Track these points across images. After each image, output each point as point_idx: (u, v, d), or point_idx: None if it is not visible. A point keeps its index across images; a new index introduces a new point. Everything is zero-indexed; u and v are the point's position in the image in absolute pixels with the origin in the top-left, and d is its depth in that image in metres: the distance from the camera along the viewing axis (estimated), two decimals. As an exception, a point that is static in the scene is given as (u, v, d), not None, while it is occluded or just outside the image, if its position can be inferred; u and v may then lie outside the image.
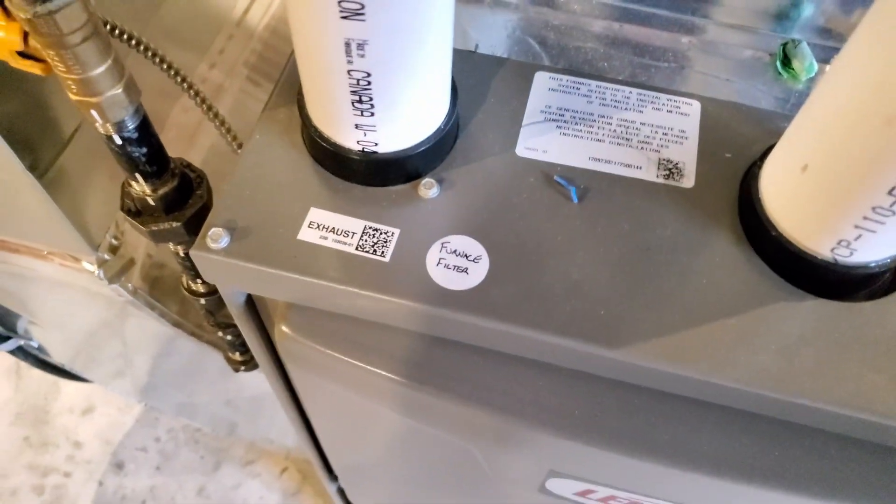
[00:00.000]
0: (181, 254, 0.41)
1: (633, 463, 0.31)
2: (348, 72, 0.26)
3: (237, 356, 0.55)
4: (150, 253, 0.68)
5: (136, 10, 0.59)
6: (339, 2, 0.23)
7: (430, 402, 0.32)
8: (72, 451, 1.17)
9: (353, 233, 0.30)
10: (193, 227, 0.38)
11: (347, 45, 0.25)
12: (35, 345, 0.91)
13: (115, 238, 0.63)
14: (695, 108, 0.34)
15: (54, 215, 0.56)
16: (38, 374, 1.24)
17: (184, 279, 0.45)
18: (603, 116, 0.34)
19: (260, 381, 0.87)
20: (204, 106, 0.52)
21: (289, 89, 0.35)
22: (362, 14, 0.24)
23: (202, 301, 0.45)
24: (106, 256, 0.62)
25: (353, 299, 0.29)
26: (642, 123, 0.34)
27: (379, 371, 0.32)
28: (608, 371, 0.29)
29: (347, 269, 0.29)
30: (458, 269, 0.30)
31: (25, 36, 0.28)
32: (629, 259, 0.30)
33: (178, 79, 0.49)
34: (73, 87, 0.29)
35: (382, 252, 0.30)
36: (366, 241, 0.30)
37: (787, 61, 0.36)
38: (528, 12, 0.37)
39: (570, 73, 0.36)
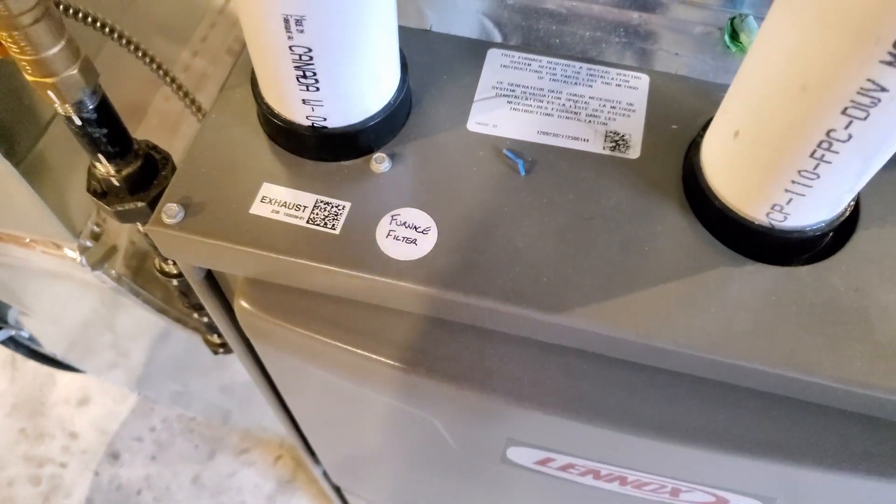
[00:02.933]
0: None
1: (583, 428, 0.32)
2: (290, 48, 0.27)
3: (215, 338, 0.55)
4: (132, 240, 0.69)
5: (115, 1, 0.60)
6: (272, -24, 0.24)
7: (386, 372, 0.33)
8: (67, 441, 1.18)
9: (305, 206, 0.31)
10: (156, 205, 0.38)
11: (286, 21, 0.26)
12: (26, 335, 0.92)
13: (97, 225, 0.64)
14: (643, 81, 0.35)
15: (34, 202, 0.57)
16: (33, 365, 1.25)
17: (156, 261, 0.46)
18: (553, 91, 0.35)
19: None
20: (180, 93, 0.53)
21: (245, 70, 0.35)
22: (296, -12, 0.24)
23: (174, 282, 0.46)
24: (88, 243, 0.63)
25: (303, 271, 0.30)
26: (591, 97, 0.35)
27: (335, 343, 0.33)
28: (551, 336, 0.30)
29: (297, 242, 0.30)
30: (406, 240, 0.30)
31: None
32: (573, 228, 0.31)
33: (155, 67, 0.50)
34: (28, 68, 0.30)
35: (333, 225, 0.31)
36: (317, 214, 0.31)
37: (734, 35, 0.36)
38: (481, -9, 0.38)
39: (522, 49, 0.36)
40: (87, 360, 1.02)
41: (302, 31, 0.26)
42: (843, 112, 0.23)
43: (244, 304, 0.34)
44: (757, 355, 0.28)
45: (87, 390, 1.23)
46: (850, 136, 0.24)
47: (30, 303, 0.83)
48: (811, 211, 0.28)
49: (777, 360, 0.28)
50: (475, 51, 0.36)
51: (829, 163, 0.25)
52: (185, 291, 0.47)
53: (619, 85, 0.35)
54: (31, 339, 0.95)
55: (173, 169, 0.39)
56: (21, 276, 0.74)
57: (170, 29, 0.74)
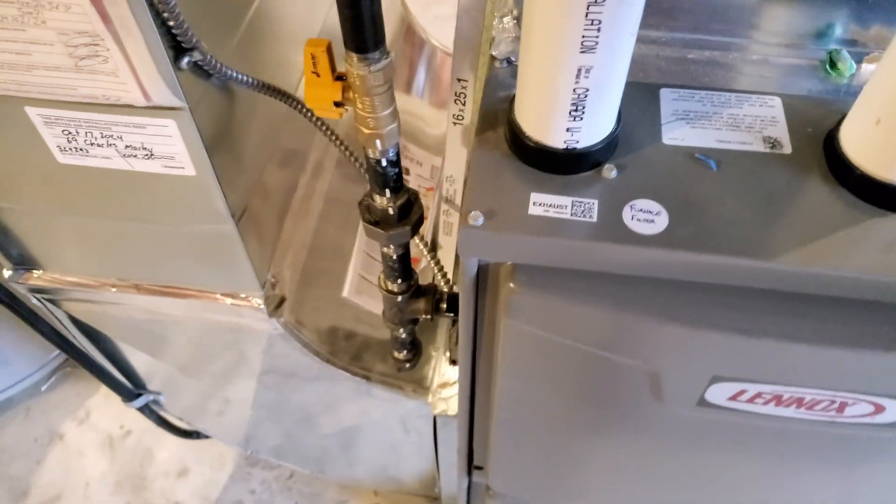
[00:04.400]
0: (394, 257, 0.53)
1: (784, 347, 0.43)
2: (573, 89, 0.40)
3: (403, 354, 0.66)
4: (295, 291, 0.80)
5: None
6: (583, 40, 0.37)
7: (629, 323, 0.44)
8: (173, 511, 1.24)
9: (565, 206, 0.43)
10: (415, 231, 0.50)
11: (579, 70, 0.39)
12: (162, 399, 1.01)
13: (273, 277, 0.75)
14: (777, 101, 0.48)
15: (241, 258, 0.68)
16: (132, 443, 1.32)
17: (383, 282, 0.57)
18: (716, 113, 0.48)
19: (360, 411, 0.98)
20: (338, 143, 0.64)
21: (484, 122, 0.48)
22: (595, 49, 0.37)
23: (398, 299, 0.57)
24: (267, 294, 0.74)
25: (576, 249, 0.42)
26: (745, 115, 0.48)
27: (588, 306, 0.44)
28: (761, 279, 0.42)
29: (568, 229, 0.42)
30: (646, 220, 0.42)
31: (343, 91, 0.41)
32: (760, 203, 0.43)
33: (315, 120, 0.61)
34: (370, 123, 0.42)
35: (590, 215, 0.43)
36: (576, 209, 0.43)
37: (832, 64, 0.50)
38: (644, 50, 0.52)
39: (684, 87, 0.50)
40: (205, 419, 1.10)
41: (587, 77, 0.39)
42: (962, 95, 0.36)
43: (511, 285, 0.45)
44: (911, 273, 0.40)
45: (184, 461, 1.29)
46: (965, 111, 0.37)
47: (181, 359, 0.92)
48: (934, 170, 0.41)
49: (928, 275, 0.40)
50: (650, 91, 0.49)
51: (950, 131, 0.38)
52: (403, 308, 0.58)
53: (760, 105, 0.48)
54: (161, 405, 1.04)
55: (419, 201, 0.51)
56: (188, 331, 0.84)
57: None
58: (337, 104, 0.42)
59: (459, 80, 0.55)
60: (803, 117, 0.48)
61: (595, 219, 0.43)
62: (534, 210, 0.43)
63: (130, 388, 0.97)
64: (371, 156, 0.45)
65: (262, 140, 0.68)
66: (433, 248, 0.74)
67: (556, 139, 0.43)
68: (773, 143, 0.46)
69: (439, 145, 0.91)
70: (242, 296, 0.73)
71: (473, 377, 0.59)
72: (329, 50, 0.40)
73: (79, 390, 1.40)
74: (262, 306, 0.74)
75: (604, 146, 0.44)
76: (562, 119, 0.42)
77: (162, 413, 1.07)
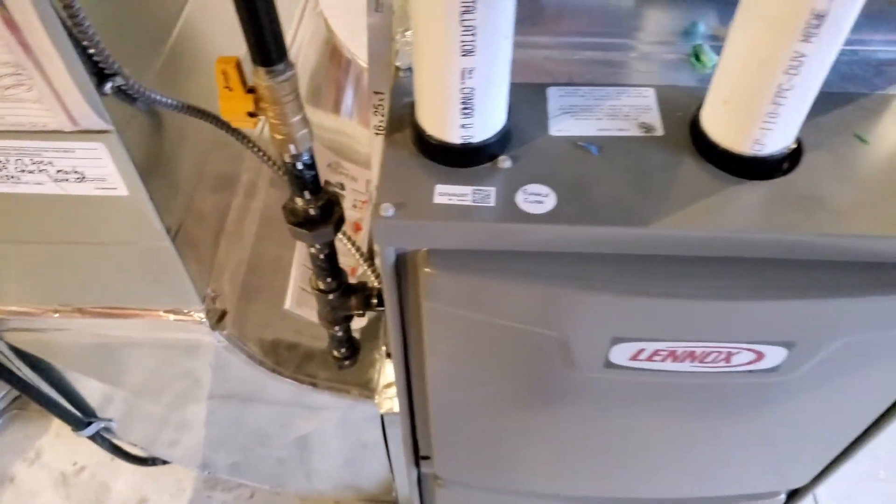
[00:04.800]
0: (321, 256, 0.57)
1: (670, 305, 0.49)
2: (461, 89, 0.45)
3: (341, 352, 0.70)
4: (237, 306, 0.83)
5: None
6: (462, 45, 0.42)
7: (531, 293, 0.49)
8: (132, 543, 1.24)
9: (466, 194, 0.48)
10: (338, 229, 0.55)
11: (463, 71, 0.44)
12: (114, 426, 1.02)
13: (213, 291, 0.78)
14: (651, 92, 0.55)
15: (180, 274, 0.71)
16: (85, 478, 1.32)
17: (314, 282, 0.61)
18: (597, 106, 0.54)
19: (312, 421, 1.01)
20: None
21: (393, 125, 0.53)
22: (473, 52, 0.43)
23: (329, 297, 0.61)
24: (208, 308, 0.77)
25: (479, 230, 0.47)
26: (622, 105, 0.54)
27: (499, 281, 0.49)
28: (639, 246, 0.48)
29: (470, 214, 0.47)
30: (537, 202, 0.48)
31: (256, 102, 0.46)
32: (636, 180, 0.49)
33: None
34: (281, 130, 0.47)
35: (488, 201, 0.48)
36: (476, 196, 0.48)
37: (697, 57, 0.57)
38: (532, 54, 0.58)
39: (569, 84, 0.56)
40: (161, 442, 1.11)
41: (471, 78, 0.44)
42: (785, 72, 0.43)
43: (428, 269, 0.50)
44: (760, 228, 0.46)
45: (142, 491, 1.29)
46: (792, 87, 0.44)
47: (133, 382, 0.94)
48: (778, 140, 0.47)
49: (773, 228, 0.46)
50: (538, 90, 0.55)
51: (783, 104, 0.45)
52: (336, 305, 0.62)
53: (636, 97, 0.54)
54: (112, 432, 1.04)
55: (339, 202, 0.56)
56: (133, 353, 0.86)
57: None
58: (251, 114, 0.46)
59: (376, 92, 0.60)
60: (673, 104, 0.54)
61: (493, 203, 0.48)
62: (439, 199, 0.48)
63: (80, 416, 0.98)
64: (287, 160, 0.49)
65: (195, 158, 0.72)
66: (370, 256, 0.78)
67: (453, 135, 0.48)
68: (648, 128, 0.52)
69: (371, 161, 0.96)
70: (185, 311, 0.76)
71: (407, 365, 0.64)
72: (238, 66, 0.44)
73: (27, 432, 1.39)
74: (205, 320, 0.77)
75: (498, 140, 0.50)
76: (455, 117, 0.47)
77: (115, 441, 1.07)
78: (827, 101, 0.54)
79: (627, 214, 0.47)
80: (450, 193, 0.48)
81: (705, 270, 0.50)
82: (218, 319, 0.79)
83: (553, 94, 0.55)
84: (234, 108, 0.46)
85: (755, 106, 0.45)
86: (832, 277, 0.49)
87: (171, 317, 0.76)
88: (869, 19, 0.57)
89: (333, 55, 1.20)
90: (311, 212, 0.53)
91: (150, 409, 0.99)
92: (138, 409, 1.00)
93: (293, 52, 1.08)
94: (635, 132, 0.52)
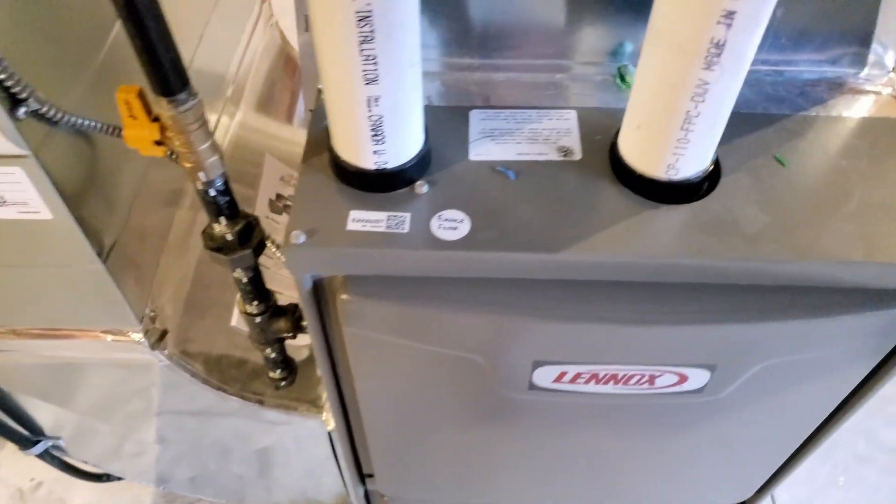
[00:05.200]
0: (244, 280, 0.57)
1: (584, 330, 0.49)
2: (369, 117, 0.45)
3: (277, 374, 0.69)
4: (180, 324, 0.82)
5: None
6: (364, 74, 0.42)
7: (452, 318, 0.49)
8: (89, 560, 1.22)
9: (381, 220, 0.48)
10: (258, 253, 0.54)
11: (369, 100, 0.43)
12: (62, 444, 1.00)
13: (153, 311, 0.78)
14: (572, 115, 0.55)
15: (113, 295, 0.70)
16: (42, 494, 1.30)
17: (241, 304, 0.60)
18: (518, 129, 0.54)
19: (264, 437, 1.00)
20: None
21: (311, 149, 0.52)
22: (377, 81, 0.42)
23: (257, 320, 0.60)
24: (147, 328, 0.77)
25: (391, 257, 0.47)
26: (543, 129, 0.54)
27: (415, 308, 0.49)
28: (551, 272, 0.48)
29: (382, 241, 0.47)
30: (451, 228, 0.48)
31: (162, 130, 0.45)
32: (551, 205, 0.49)
33: None
34: (189, 158, 0.46)
35: (402, 227, 0.48)
36: (390, 223, 0.48)
37: (622, 78, 0.57)
38: (458, 76, 0.57)
39: (492, 107, 0.55)
40: (116, 460, 1.09)
41: (378, 106, 0.44)
42: (692, 99, 0.43)
43: (344, 296, 0.50)
44: (674, 253, 0.46)
45: (101, 506, 1.28)
46: (699, 113, 0.44)
47: (80, 400, 0.92)
48: (692, 165, 0.47)
49: (687, 254, 0.46)
50: (461, 113, 0.55)
51: (693, 131, 0.45)
52: (264, 327, 0.62)
53: (558, 119, 0.54)
54: (62, 450, 1.03)
55: (259, 226, 0.55)
56: (76, 373, 0.85)
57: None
58: (158, 143, 0.45)
59: (311, 111, 0.60)
60: (594, 126, 0.54)
61: (407, 230, 0.48)
62: (352, 226, 0.48)
63: (27, 435, 0.96)
64: (199, 187, 0.48)
65: (134, 174, 0.71)
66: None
67: (367, 161, 0.48)
68: (566, 152, 0.52)
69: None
70: (123, 331, 0.75)
71: (339, 386, 0.63)
72: (141, 94, 0.44)
73: (-15, 447, 1.37)
74: (143, 340, 0.76)
75: (415, 165, 0.49)
76: (367, 143, 0.47)
77: (67, 459, 1.06)
78: (748, 123, 0.54)
79: (540, 240, 0.47)
80: (364, 220, 0.48)
81: (623, 295, 0.50)
82: (158, 339, 0.78)
83: (475, 117, 0.55)
84: (139, 137, 0.45)
85: (666, 131, 0.45)
86: (751, 301, 0.49)
87: (109, 337, 0.75)
88: (793, 40, 0.57)
89: (287, 65, 1.20)
90: (229, 237, 0.52)
91: (101, 428, 0.98)
92: (88, 428, 0.99)
93: (245, 62, 1.07)
94: (554, 156, 0.52)
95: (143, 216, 0.75)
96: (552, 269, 0.48)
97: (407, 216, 0.48)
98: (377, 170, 0.48)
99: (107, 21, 0.66)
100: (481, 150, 0.52)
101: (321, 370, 0.60)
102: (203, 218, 0.92)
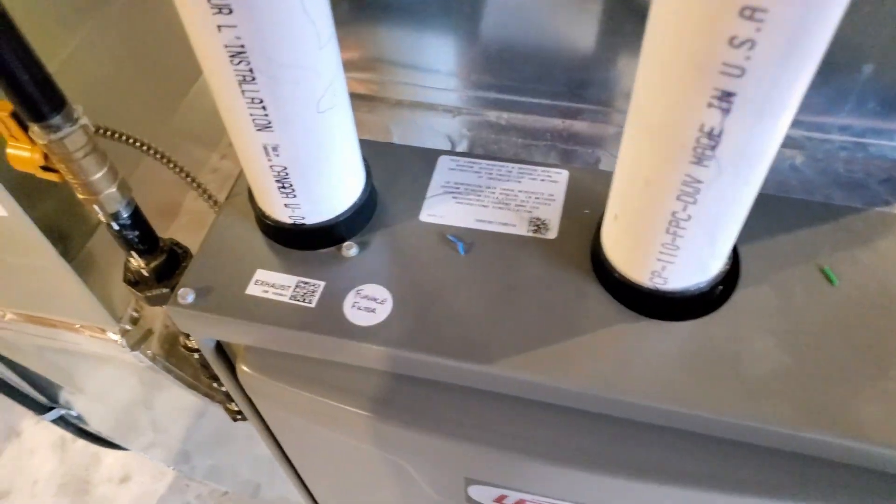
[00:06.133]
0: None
1: (525, 464, 0.38)
2: (270, 167, 0.36)
3: (233, 406, 0.63)
4: (166, 324, 0.78)
5: (155, 114, 0.71)
6: (253, 119, 0.33)
7: (355, 420, 0.40)
8: (110, 519, 1.25)
9: (288, 286, 0.40)
10: (181, 291, 0.47)
11: (265, 148, 0.35)
12: (75, 414, 1.01)
13: (136, 311, 0.73)
14: (563, 175, 0.43)
15: (84, 293, 0.67)
16: (81, 446, 1.34)
17: (181, 339, 0.54)
18: (489, 187, 0.43)
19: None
20: (205, 195, 0.63)
21: (238, 187, 0.45)
22: (271, 127, 0.34)
23: (195, 356, 0.54)
24: (127, 327, 0.73)
25: (285, 337, 0.38)
26: (520, 191, 0.43)
27: (316, 397, 0.40)
28: (483, 383, 0.37)
29: (280, 314, 0.38)
30: (367, 309, 0.38)
31: (45, 155, 0.39)
32: (500, 295, 0.38)
33: (183, 175, 0.60)
34: (79, 189, 0.40)
35: (310, 300, 0.39)
36: (297, 292, 0.39)
37: (642, 134, 0.45)
38: (436, 111, 0.47)
39: (467, 155, 0.45)
40: (129, 438, 1.10)
41: (278, 156, 0.35)
42: (678, 198, 0.31)
43: (244, 367, 0.42)
44: (644, 394, 0.35)
45: (128, 468, 1.30)
46: (689, 216, 0.31)
47: (79, 383, 0.93)
48: (684, 275, 0.35)
49: (661, 397, 0.34)
50: (429, 157, 0.45)
51: (682, 237, 0.33)
52: (206, 364, 0.55)
53: (543, 180, 0.43)
54: (79, 417, 1.04)
55: (190, 257, 0.48)
56: (72, 358, 0.83)
57: (201, 136, 0.86)
58: (45, 169, 0.39)
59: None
60: (586, 195, 0.42)
61: (314, 304, 0.39)
62: (252, 290, 0.40)
63: (42, 401, 0.98)
64: (103, 219, 0.42)
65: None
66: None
67: (281, 214, 0.40)
68: (539, 226, 0.41)
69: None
70: (100, 329, 0.72)
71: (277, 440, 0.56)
72: (16, 115, 0.37)
73: (44, 389, 1.43)
74: (121, 340, 0.72)
75: (343, 222, 0.40)
76: (276, 196, 0.38)
77: (83, 426, 1.07)
78: (798, 213, 0.41)
79: (471, 343, 0.37)
80: (268, 283, 0.40)
81: (575, 425, 0.39)
82: (139, 340, 0.74)
83: (444, 165, 0.45)
84: (22, 160, 0.39)
85: (647, 232, 0.33)
86: (746, 467, 0.37)
87: (87, 333, 0.72)
88: (887, 103, 0.42)
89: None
90: (145, 273, 0.46)
91: (101, 408, 0.98)
92: (92, 405, 0.99)
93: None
94: (521, 230, 0.41)
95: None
96: (480, 382, 0.37)
97: (320, 285, 0.40)
98: (293, 224, 0.40)
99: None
100: (436, 211, 0.42)
101: (255, 427, 0.53)
102: (204, 215, 0.87)
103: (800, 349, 0.35)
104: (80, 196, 0.40)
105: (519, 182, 0.43)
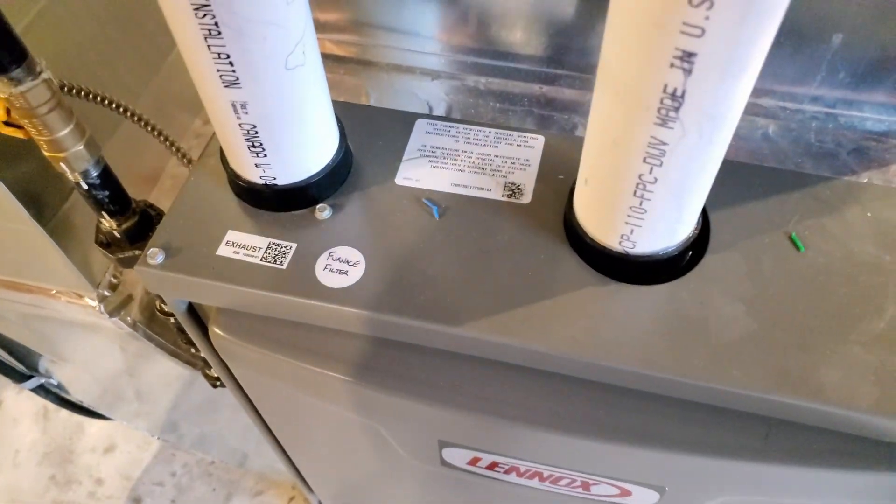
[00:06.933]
0: (149, 279, 0.50)
1: (497, 425, 0.39)
2: (240, 125, 0.36)
3: (212, 372, 0.63)
4: (147, 290, 0.78)
5: (136, 76, 0.70)
6: (220, 75, 0.33)
7: (328, 382, 0.40)
8: (94, 487, 1.26)
9: (259, 248, 0.39)
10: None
11: (234, 105, 0.34)
12: (55, 383, 1.01)
13: (114, 276, 0.73)
14: (539, 141, 0.43)
15: (59, 258, 0.66)
16: (64, 415, 1.34)
17: (157, 302, 0.54)
18: (466, 152, 0.43)
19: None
20: (185, 160, 0.63)
21: (212, 147, 0.44)
22: (238, 84, 0.33)
23: (171, 320, 0.54)
24: (106, 293, 0.72)
25: (256, 299, 0.38)
26: (496, 156, 0.42)
27: (289, 360, 0.40)
28: (454, 346, 0.37)
29: (251, 276, 0.38)
30: (339, 271, 0.38)
31: (8, 111, 0.38)
32: (473, 259, 0.38)
33: (163, 139, 0.59)
34: (44, 146, 0.39)
35: (281, 262, 0.39)
36: (269, 253, 0.39)
37: (619, 100, 0.44)
38: (414, 74, 0.47)
39: (444, 119, 0.45)
40: (113, 408, 1.10)
41: (247, 113, 0.35)
42: (644, 161, 0.31)
43: (216, 329, 0.42)
44: (614, 356, 0.35)
45: (113, 438, 1.31)
46: (655, 179, 0.31)
47: (60, 351, 0.92)
48: (653, 239, 0.35)
49: (630, 360, 0.35)
50: (406, 121, 0.45)
51: (650, 200, 0.33)
52: (182, 329, 0.55)
53: (519, 145, 0.43)
54: (59, 386, 1.04)
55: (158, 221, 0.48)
56: (52, 326, 0.83)
57: (185, 100, 0.85)
58: (8, 124, 0.39)
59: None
60: (561, 161, 0.42)
61: (285, 266, 0.39)
62: (223, 251, 0.39)
63: (20, 369, 0.97)
64: (72, 179, 0.42)
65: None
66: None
67: (252, 175, 0.39)
68: (513, 191, 0.41)
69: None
70: (77, 294, 0.72)
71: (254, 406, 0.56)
72: (-23, 67, 0.37)
73: (27, 359, 1.43)
74: (99, 306, 0.72)
75: (315, 183, 0.40)
76: (245, 155, 0.38)
77: (64, 395, 1.07)
78: (768, 181, 0.41)
79: (442, 305, 0.37)
80: (238, 244, 0.40)
81: (544, 388, 0.39)
82: (118, 306, 0.74)
83: (420, 128, 0.44)
84: (-17, 114, 0.38)
85: (615, 195, 0.33)
86: (713, 428, 0.37)
87: (63, 298, 0.72)
88: (857, 75, 0.42)
89: None
90: (117, 234, 0.45)
91: (84, 376, 0.97)
92: (73, 373, 0.98)
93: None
94: (496, 194, 0.41)
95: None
96: (452, 344, 0.38)
97: (292, 247, 0.39)
98: (265, 185, 0.40)
99: None
100: (412, 174, 0.42)
101: (232, 392, 0.53)
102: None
103: (766, 315, 0.36)
104: (46, 154, 0.40)
105: (495, 147, 0.43)
